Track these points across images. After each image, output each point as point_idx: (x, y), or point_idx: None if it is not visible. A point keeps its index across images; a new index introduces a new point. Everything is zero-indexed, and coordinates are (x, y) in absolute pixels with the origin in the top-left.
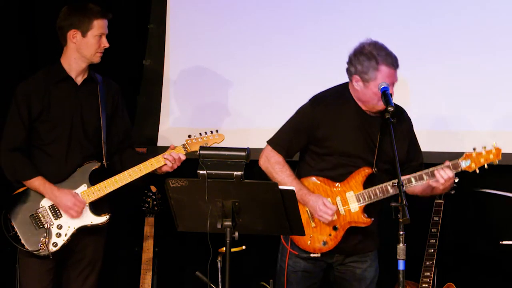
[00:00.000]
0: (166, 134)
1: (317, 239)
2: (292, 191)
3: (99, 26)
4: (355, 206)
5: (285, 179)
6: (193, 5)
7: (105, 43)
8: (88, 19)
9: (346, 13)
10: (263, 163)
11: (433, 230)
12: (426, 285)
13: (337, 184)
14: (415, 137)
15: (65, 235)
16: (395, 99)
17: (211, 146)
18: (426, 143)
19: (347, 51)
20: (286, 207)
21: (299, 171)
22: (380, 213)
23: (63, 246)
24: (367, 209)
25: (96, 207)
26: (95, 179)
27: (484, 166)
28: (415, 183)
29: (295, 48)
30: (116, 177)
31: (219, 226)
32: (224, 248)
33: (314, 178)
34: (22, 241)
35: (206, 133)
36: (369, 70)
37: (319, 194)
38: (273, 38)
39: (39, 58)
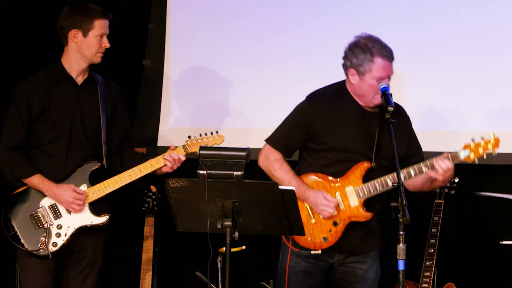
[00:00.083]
0: (166, 134)
1: (317, 235)
2: (292, 191)
3: (100, 26)
4: (354, 200)
5: (284, 176)
6: (193, 5)
7: (106, 43)
8: (89, 19)
9: (346, 13)
10: (262, 161)
11: (433, 230)
12: (426, 285)
13: (336, 179)
14: (414, 133)
15: (65, 235)
16: (394, 99)
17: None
18: (426, 143)
19: None
20: (286, 207)
21: (298, 169)
22: (380, 213)
23: (63, 246)
24: (367, 205)
25: (96, 207)
26: (95, 179)
27: (483, 156)
28: (414, 176)
29: (295, 48)
30: (116, 177)
31: (219, 226)
32: (224, 248)
33: (313, 175)
34: (22, 241)
35: (206, 134)
36: (364, 63)
37: (319, 189)
38: (273, 38)
39: (39, 58)
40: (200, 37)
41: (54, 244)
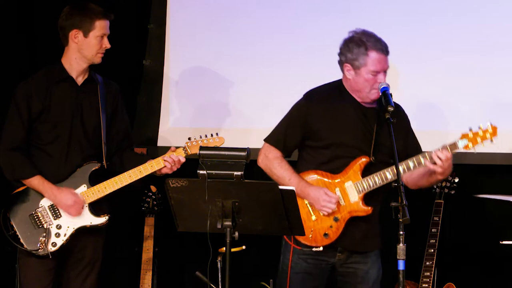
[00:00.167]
0: (166, 134)
1: (318, 232)
2: (292, 191)
3: (101, 26)
4: (354, 195)
5: (283, 173)
6: (193, 5)
7: (106, 44)
8: (90, 19)
9: (346, 13)
10: (261, 160)
11: (433, 230)
12: (426, 285)
13: (335, 175)
14: (412, 131)
15: (64, 235)
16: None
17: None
18: (426, 143)
19: None
20: (286, 207)
21: (297, 168)
22: (380, 213)
23: (62, 246)
24: (367, 201)
25: (96, 207)
26: (94, 179)
27: (481, 145)
28: (413, 168)
29: (295, 48)
30: (116, 178)
31: (219, 226)
32: (224, 248)
33: (311, 172)
34: (21, 240)
35: (206, 136)
36: (359, 57)
37: (319, 186)
38: (273, 38)
39: (39, 58)
40: (200, 37)
41: (54, 244)
